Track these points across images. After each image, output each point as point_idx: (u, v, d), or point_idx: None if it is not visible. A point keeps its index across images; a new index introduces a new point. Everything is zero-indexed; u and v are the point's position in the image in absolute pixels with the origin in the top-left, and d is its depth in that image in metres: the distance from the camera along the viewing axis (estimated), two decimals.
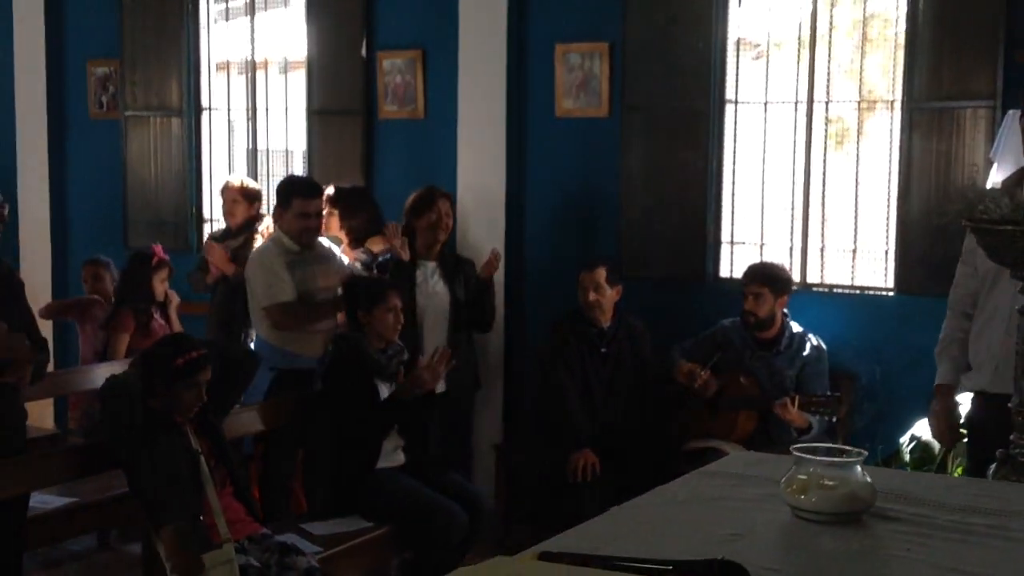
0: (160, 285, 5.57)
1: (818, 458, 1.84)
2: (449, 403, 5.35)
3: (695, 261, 5.73)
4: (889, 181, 5.31)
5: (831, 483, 1.81)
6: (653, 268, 5.78)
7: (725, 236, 5.76)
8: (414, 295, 5.29)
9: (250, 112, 7.00)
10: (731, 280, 5.63)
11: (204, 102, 7.12)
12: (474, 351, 5.62)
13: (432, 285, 5.38)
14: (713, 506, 1.87)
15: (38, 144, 7.46)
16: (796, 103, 5.54)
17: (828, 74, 5.51)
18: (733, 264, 5.73)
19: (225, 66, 7.14)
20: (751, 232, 5.77)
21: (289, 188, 5.10)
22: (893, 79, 5.33)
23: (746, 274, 5.21)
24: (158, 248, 5.81)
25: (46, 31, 7.39)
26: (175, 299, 5.79)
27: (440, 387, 5.27)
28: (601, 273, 5.27)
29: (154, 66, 7.13)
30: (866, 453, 1.85)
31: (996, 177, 4.62)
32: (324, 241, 5.27)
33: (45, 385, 4.46)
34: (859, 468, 1.84)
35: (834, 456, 1.86)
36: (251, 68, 6.96)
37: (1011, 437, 2.83)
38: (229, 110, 7.14)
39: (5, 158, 7.58)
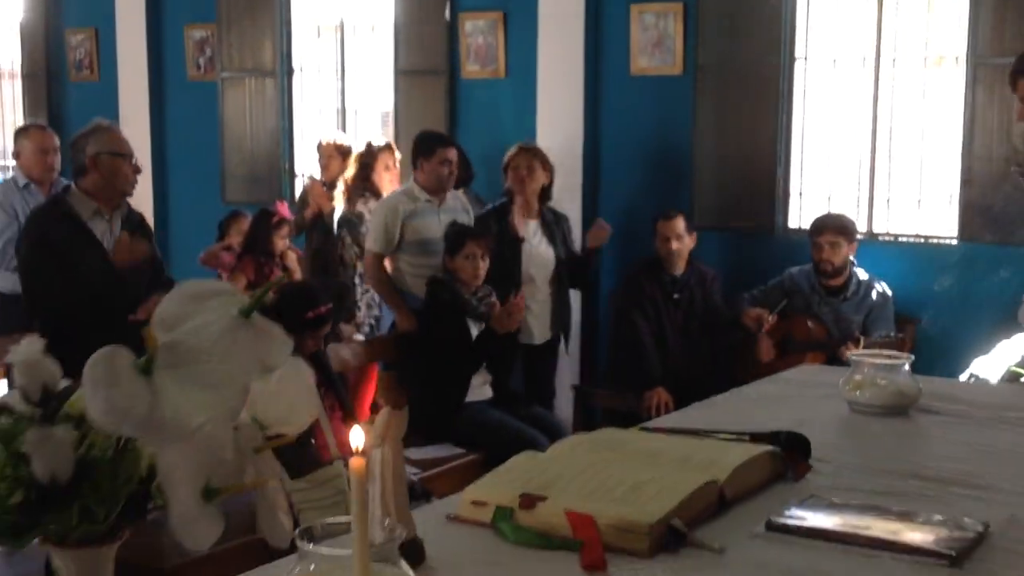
0: (280, 241, 5.94)
1: (872, 360, 2.15)
2: (542, 351, 5.68)
3: (764, 212, 6.00)
4: (954, 134, 5.53)
5: (882, 382, 2.12)
6: (724, 219, 6.06)
7: (794, 188, 6.02)
8: (520, 255, 5.49)
9: (340, 72, 7.37)
10: (799, 230, 5.89)
11: (295, 64, 7.50)
12: (569, 306, 5.89)
13: (535, 245, 5.54)
14: (780, 402, 2.20)
15: (140, 106, 7.88)
16: (864, 59, 5.77)
17: (895, 30, 5.73)
18: (801, 215, 5.99)
19: (316, 28, 7.51)
20: (819, 184, 6.02)
21: (431, 139, 5.53)
22: (959, 36, 5.53)
23: (817, 226, 5.44)
24: (281, 207, 6.20)
25: None
26: (296, 252, 6.17)
27: (539, 338, 5.58)
28: (680, 223, 5.55)
29: (248, 30, 7.52)
30: (912, 357, 2.15)
31: None
32: (458, 197, 5.60)
33: None
34: (907, 369, 2.15)
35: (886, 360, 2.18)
36: (341, 30, 7.32)
37: None
38: (319, 71, 7.51)
39: (109, 119, 8.01)
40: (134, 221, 4.22)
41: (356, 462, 1.28)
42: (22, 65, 8.52)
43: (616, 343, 5.89)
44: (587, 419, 6.15)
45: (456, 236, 5.16)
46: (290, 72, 7.50)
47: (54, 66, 8.35)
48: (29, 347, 0.91)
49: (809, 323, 5.44)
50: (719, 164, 6.07)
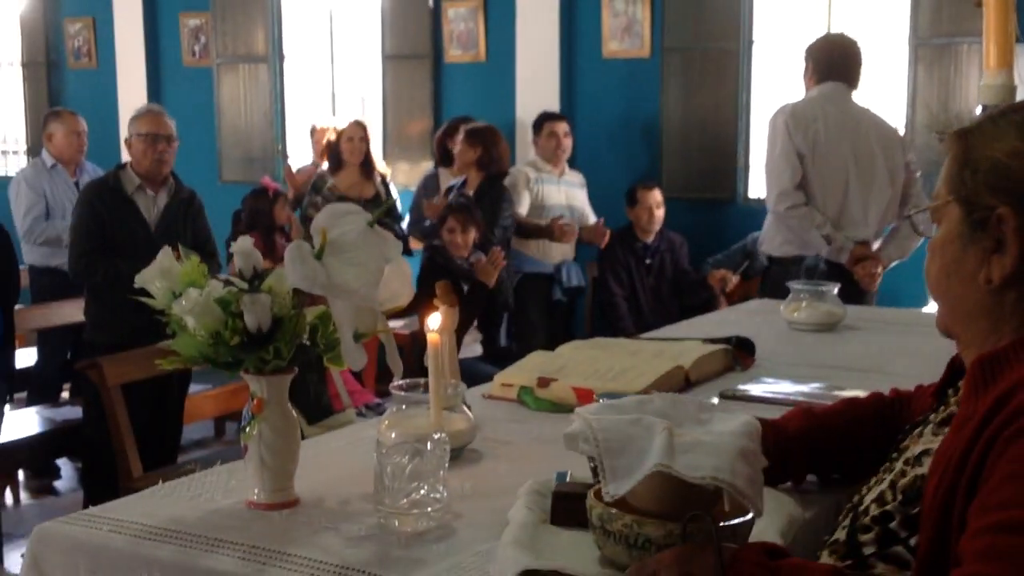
0: (281, 212, 6.36)
1: (806, 287, 2.68)
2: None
3: (727, 183, 6.55)
4: (898, 109, 6.08)
5: (815, 304, 2.65)
6: (690, 189, 6.61)
7: (754, 160, 6.56)
8: None
9: (330, 58, 7.83)
10: (759, 200, 6.41)
11: (287, 50, 7.95)
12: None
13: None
14: (734, 324, 2.72)
15: (138, 91, 8.29)
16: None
17: (844, 15, 6.27)
18: (760, 186, 6.53)
19: (306, 16, 7.96)
20: None
21: (542, 116, 6.22)
22: (902, 18, 6.09)
23: None
24: (266, 181, 6.62)
25: None
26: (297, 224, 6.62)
27: None
28: (658, 193, 6.11)
29: (241, 17, 7.96)
30: (839, 285, 2.68)
31: None
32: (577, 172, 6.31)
33: None
34: (835, 295, 2.68)
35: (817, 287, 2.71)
36: (330, 18, 7.79)
37: None
38: (310, 57, 7.96)
39: (108, 106, 8.43)
40: (183, 198, 4.70)
41: (433, 338, 1.81)
42: (22, 54, 8.92)
43: (593, 305, 6.42)
44: None
45: (444, 210, 5.66)
46: (281, 58, 7.95)
47: (53, 55, 8.76)
48: (244, 242, 1.41)
49: None
50: (685, 139, 6.61)
